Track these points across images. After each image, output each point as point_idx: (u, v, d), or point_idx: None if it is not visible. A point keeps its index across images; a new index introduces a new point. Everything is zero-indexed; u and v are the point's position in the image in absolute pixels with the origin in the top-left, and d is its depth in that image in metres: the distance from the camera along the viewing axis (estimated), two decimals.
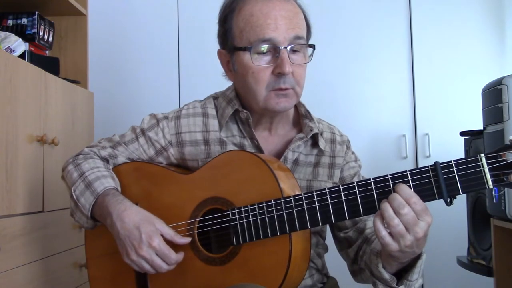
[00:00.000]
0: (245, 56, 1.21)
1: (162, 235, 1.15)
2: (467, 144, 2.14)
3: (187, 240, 1.17)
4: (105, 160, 1.33)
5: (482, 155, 0.99)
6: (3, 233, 1.52)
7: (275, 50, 1.20)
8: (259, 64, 1.20)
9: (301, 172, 1.31)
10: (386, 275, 1.10)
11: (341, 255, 1.37)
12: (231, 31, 1.25)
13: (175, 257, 1.15)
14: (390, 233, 1.02)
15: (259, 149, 1.29)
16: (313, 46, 1.24)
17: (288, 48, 1.19)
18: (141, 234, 1.13)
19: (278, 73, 1.19)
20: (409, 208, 0.99)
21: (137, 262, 1.14)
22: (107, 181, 1.25)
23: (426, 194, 1.01)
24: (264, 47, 1.19)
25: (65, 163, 1.35)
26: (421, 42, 2.66)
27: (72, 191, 1.26)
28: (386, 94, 2.67)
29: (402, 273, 1.12)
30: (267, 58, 1.20)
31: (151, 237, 1.13)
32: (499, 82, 1.78)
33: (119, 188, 1.28)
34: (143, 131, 1.33)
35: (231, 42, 1.25)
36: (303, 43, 1.23)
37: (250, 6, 1.22)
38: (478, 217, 2.11)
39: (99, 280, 1.32)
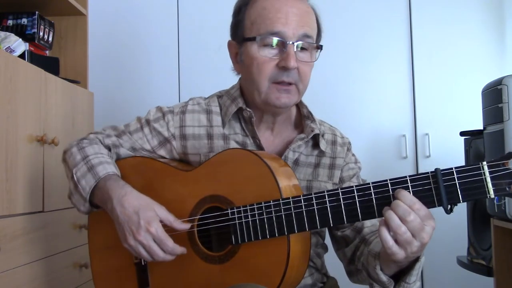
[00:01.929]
0: (252, 47, 1.23)
1: (161, 221, 1.16)
2: (467, 144, 2.14)
3: (187, 226, 1.18)
4: (108, 148, 1.34)
5: (484, 163, 0.97)
6: (3, 233, 1.52)
7: (282, 45, 1.21)
8: (265, 55, 1.21)
9: (301, 172, 1.31)
10: (384, 278, 1.10)
11: (337, 255, 1.37)
12: (243, 23, 1.27)
13: (172, 244, 1.15)
14: (396, 241, 1.00)
15: (260, 148, 1.30)
16: (320, 47, 1.26)
17: (296, 44, 1.20)
18: (140, 219, 1.14)
19: (282, 67, 1.20)
20: (414, 215, 0.98)
21: (134, 247, 1.15)
22: (110, 167, 1.26)
23: (425, 201, 1.00)
24: (272, 39, 1.20)
25: (68, 146, 1.36)
26: (421, 42, 2.66)
27: (74, 172, 1.27)
28: (386, 94, 2.67)
29: (400, 275, 1.12)
30: (274, 51, 1.22)
31: (149, 223, 1.13)
32: (499, 82, 1.77)
33: (120, 177, 1.28)
34: (148, 122, 1.35)
35: (241, 33, 1.27)
36: (311, 42, 1.24)
37: (263, 0, 1.24)
38: (478, 217, 2.11)
39: (101, 273, 1.33)
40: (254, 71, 1.23)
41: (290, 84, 1.22)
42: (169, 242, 1.15)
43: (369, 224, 1.29)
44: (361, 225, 1.29)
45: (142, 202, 1.17)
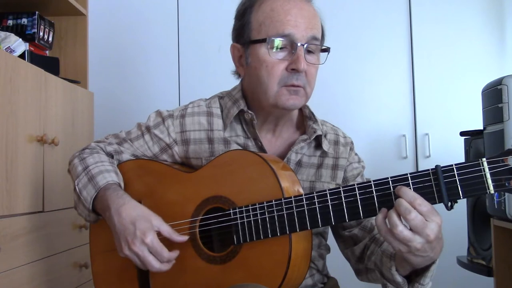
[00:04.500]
0: (261, 49, 1.22)
1: (160, 232, 1.16)
2: (467, 144, 2.14)
3: (185, 238, 1.18)
4: (110, 155, 1.34)
5: (484, 159, 0.98)
6: (3, 233, 1.52)
7: (291, 47, 1.21)
8: (275, 57, 1.21)
9: (304, 173, 1.31)
10: (399, 278, 1.09)
11: (344, 254, 1.37)
12: (249, 25, 1.26)
13: (167, 255, 1.15)
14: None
15: (262, 150, 1.30)
16: (328, 50, 1.26)
17: (304, 46, 1.20)
18: (136, 230, 1.14)
19: (292, 69, 1.20)
20: (415, 212, 0.98)
21: (130, 257, 1.15)
22: (109, 176, 1.25)
23: (426, 198, 1.00)
24: (282, 41, 1.20)
25: (71, 157, 1.36)
26: (421, 42, 2.66)
27: (76, 184, 1.28)
28: (386, 94, 2.67)
29: (412, 275, 1.11)
30: (282, 53, 1.21)
31: (145, 234, 1.13)
32: (499, 82, 1.78)
33: (122, 184, 1.29)
34: (148, 129, 1.35)
35: (247, 36, 1.26)
36: (319, 44, 1.24)
37: (271, 2, 1.23)
38: (478, 217, 2.11)
39: (102, 275, 1.33)
40: (264, 74, 1.22)
41: (299, 86, 1.22)
42: (165, 253, 1.14)
43: None
44: (370, 224, 1.29)
45: (139, 213, 1.17)
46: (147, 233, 1.14)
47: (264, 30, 1.22)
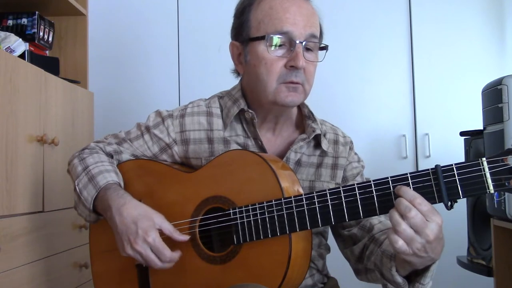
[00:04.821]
0: (260, 47, 1.23)
1: (161, 230, 1.16)
2: (467, 144, 2.14)
3: (186, 237, 1.18)
4: (109, 155, 1.34)
5: (484, 159, 0.97)
6: (3, 233, 1.52)
7: (290, 44, 1.21)
8: (274, 54, 1.21)
9: (303, 172, 1.31)
10: (399, 279, 1.09)
11: (343, 253, 1.36)
12: (248, 23, 1.26)
13: (170, 254, 1.15)
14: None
15: (262, 149, 1.30)
16: (326, 48, 1.27)
17: (303, 44, 1.21)
18: (138, 229, 1.14)
19: (291, 66, 1.20)
20: (415, 211, 0.98)
21: (132, 256, 1.15)
22: (110, 175, 1.26)
23: (426, 197, 1.00)
24: (280, 38, 1.21)
25: (71, 157, 1.37)
26: (421, 42, 2.66)
27: (76, 184, 1.28)
28: (386, 94, 2.67)
29: (412, 275, 1.11)
30: (281, 51, 1.22)
31: (147, 232, 1.14)
32: (499, 82, 1.78)
33: (122, 183, 1.29)
34: (148, 128, 1.35)
35: (246, 34, 1.26)
36: (317, 42, 1.25)
37: (269, 0, 1.24)
38: (478, 217, 2.11)
39: (102, 275, 1.33)
40: (262, 71, 1.23)
41: (298, 83, 1.22)
42: (167, 252, 1.15)
43: (377, 222, 1.28)
44: (369, 224, 1.29)
45: (141, 212, 1.17)
46: (149, 231, 1.14)
47: (263, 27, 1.23)
